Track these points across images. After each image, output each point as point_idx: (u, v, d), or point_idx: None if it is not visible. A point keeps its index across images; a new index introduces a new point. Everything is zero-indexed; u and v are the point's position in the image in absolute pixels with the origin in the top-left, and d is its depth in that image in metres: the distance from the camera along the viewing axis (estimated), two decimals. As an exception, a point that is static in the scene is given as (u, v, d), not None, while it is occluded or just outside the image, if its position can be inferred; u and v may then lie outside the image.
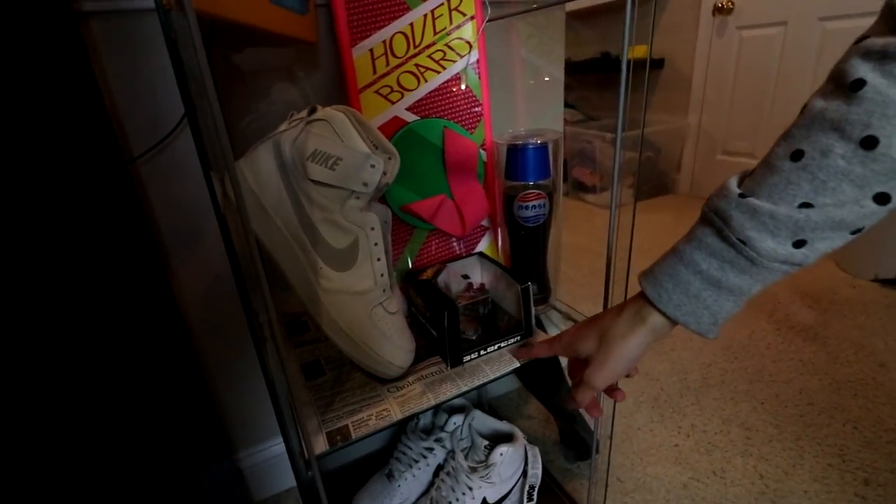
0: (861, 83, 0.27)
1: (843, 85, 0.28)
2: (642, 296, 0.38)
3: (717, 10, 1.93)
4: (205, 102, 0.27)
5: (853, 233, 0.31)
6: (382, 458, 0.78)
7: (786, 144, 0.31)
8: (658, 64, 2.26)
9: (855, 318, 1.19)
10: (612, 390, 0.46)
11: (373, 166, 0.40)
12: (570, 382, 0.47)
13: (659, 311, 0.37)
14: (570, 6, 0.72)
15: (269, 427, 0.80)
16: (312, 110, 0.43)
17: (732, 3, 1.89)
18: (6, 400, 0.49)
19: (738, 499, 0.75)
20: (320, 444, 0.40)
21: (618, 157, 0.47)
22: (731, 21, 1.92)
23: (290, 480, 0.84)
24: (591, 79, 2.45)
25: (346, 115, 0.41)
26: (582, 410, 0.57)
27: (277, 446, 0.81)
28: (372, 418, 0.43)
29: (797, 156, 0.30)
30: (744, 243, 0.32)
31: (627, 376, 0.44)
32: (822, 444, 0.84)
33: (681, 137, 2.21)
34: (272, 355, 0.34)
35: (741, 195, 0.32)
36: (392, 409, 0.44)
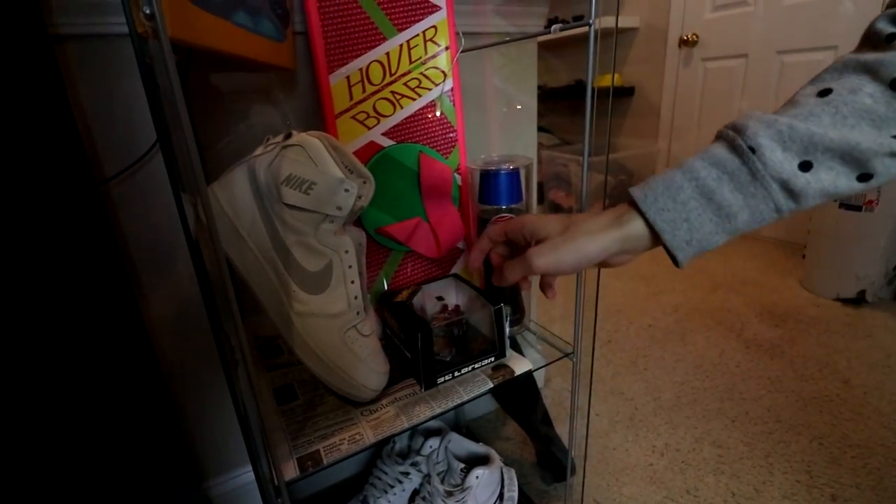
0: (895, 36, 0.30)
1: (878, 41, 0.31)
2: (628, 203, 0.37)
3: (683, 43, 2.04)
4: (178, 128, 0.27)
5: (860, 178, 0.31)
6: (357, 485, 0.76)
7: (813, 86, 0.32)
8: (628, 92, 2.35)
9: (819, 336, 1.24)
10: (546, 285, 0.44)
11: (347, 190, 0.41)
12: (473, 254, 0.47)
13: (640, 213, 0.35)
14: (542, 38, 0.75)
15: (240, 454, 0.78)
16: (288, 135, 0.44)
17: (697, 37, 1.99)
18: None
19: (712, 517, 0.76)
20: (290, 471, 0.39)
21: (585, 177, 0.49)
22: (696, 53, 2.02)
23: (261, 510, 0.82)
24: (565, 105, 2.53)
25: (321, 140, 0.42)
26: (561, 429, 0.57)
27: (248, 474, 0.79)
28: (344, 443, 0.42)
29: (825, 93, 0.31)
30: (753, 151, 0.31)
31: (546, 290, 0.43)
32: (791, 461, 0.86)
33: (651, 161, 2.29)
34: (243, 379, 0.33)
35: (765, 114, 0.33)
36: (365, 433, 0.43)
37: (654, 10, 2.10)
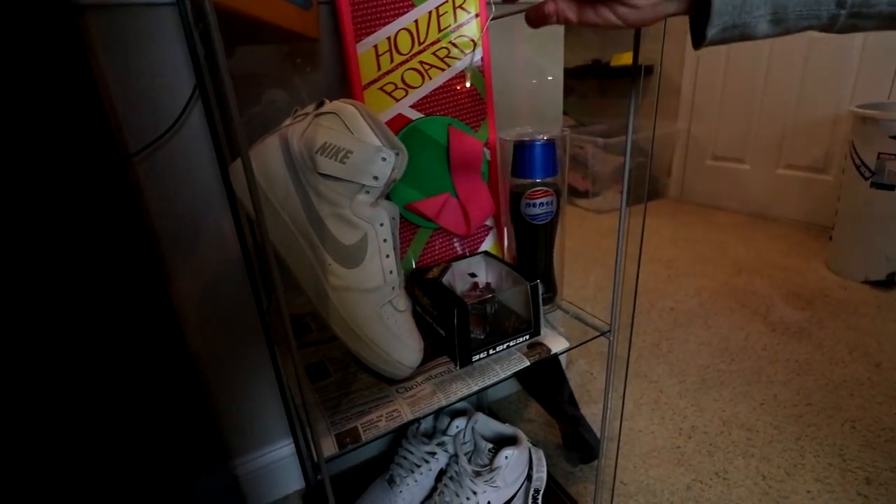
0: None
1: None
2: None
3: (706, 19, 1.97)
4: (221, 93, 0.26)
5: None
6: (382, 464, 0.76)
7: None
8: (647, 71, 2.29)
9: (847, 319, 1.21)
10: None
11: (384, 159, 0.39)
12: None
13: None
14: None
15: (265, 434, 0.78)
16: (320, 104, 0.42)
17: (720, 12, 1.92)
18: (-6, 406, 0.46)
19: (742, 500, 0.75)
20: (329, 447, 0.39)
21: (628, 161, 0.47)
22: (719, 29, 1.95)
23: (285, 488, 0.82)
24: (582, 85, 2.48)
25: (356, 108, 0.40)
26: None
27: (273, 453, 0.79)
28: (382, 419, 0.41)
29: None
30: None
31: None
32: (823, 444, 0.84)
33: (671, 143, 2.23)
34: (284, 354, 0.32)
35: None
36: (402, 410, 0.42)
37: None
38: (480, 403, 0.94)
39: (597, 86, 2.47)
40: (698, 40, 0.32)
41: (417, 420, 0.42)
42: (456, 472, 0.68)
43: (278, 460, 0.79)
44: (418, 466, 0.72)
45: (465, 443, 0.71)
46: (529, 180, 0.54)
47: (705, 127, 2.10)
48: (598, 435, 0.80)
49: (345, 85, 0.56)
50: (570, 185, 2.27)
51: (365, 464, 0.85)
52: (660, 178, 2.32)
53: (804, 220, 1.84)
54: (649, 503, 0.76)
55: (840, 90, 1.62)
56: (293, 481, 0.82)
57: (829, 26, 0.31)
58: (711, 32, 0.31)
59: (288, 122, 0.45)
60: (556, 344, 0.52)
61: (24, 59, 0.43)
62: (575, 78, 2.40)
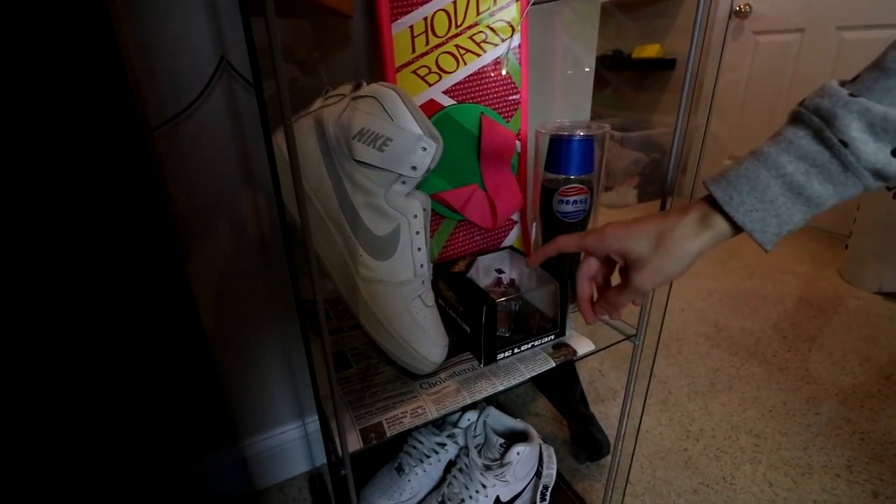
0: None
1: None
2: (708, 200, 0.36)
3: (734, 13, 1.92)
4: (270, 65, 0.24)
5: None
6: (390, 451, 0.76)
7: None
8: (669, 65, 2.24)
9: (859, 329, 1.20)
10: (637, 301, 0.44)
11: (424, 149, 0.37)
12: (581, 284, 0.44)
13: (726, 215, 0.34)
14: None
15: (274, 416, 0.77)
16: (357, 86, 0.40)
17: (749, 7, 1.87)
18: (8, 374, 0.46)
19: (749, 506, 0.75)
20: (354, 442, 0.38)
21: (673, 159, 0.45)
22: (747, 25, 1.90)
23: (292, 470, 0.82)
24: (601, 76, 2.42)
25: (397, 92, 0.38)
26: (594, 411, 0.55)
27: (281, 435, 0.79)
28: (406, 416, 0.41)
29: None
30: (845, 145, 0.30)
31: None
32: (830, 455, 0.84)
33: (688, 140, 2.19)
34: (317, 344, 0.31)
35: (851, 94, 0.30)
36: (427, 407, 0.42)
37: (706, -23, 1.97)
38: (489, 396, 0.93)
39: (618, 77, 2.42)
40: (763, 248, 0.35)
41: (443, 418, 0.41)
42: (466, 464, 0.68)
43: (286, 443, 0.79)
44: (428, 457, 0.72)
45: (476, 436, 0.71)
46: (564, 176, 0.52)
47: (726, 125, 2.06)
48: (608, 434, 0.79)
49: (376, 66, 0.54)
50: (583, 177, 2.24)
51: (373, 449, 0.85)
52: (675, 176, 2.29)
53: (819, 227, 1.82)
54: (655, 504, 0.76)
55: (867, 95, 1.58)
56: (300, 463, 0.83)
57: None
58: (770, 246, 0.34)
59: (319, 103, 0.43)
60: (582, 346, 0.51)
61: (49, 27, 0.41)
62: (597, 68, 2.34)
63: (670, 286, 0.50)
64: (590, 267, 0.43)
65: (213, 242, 0.63)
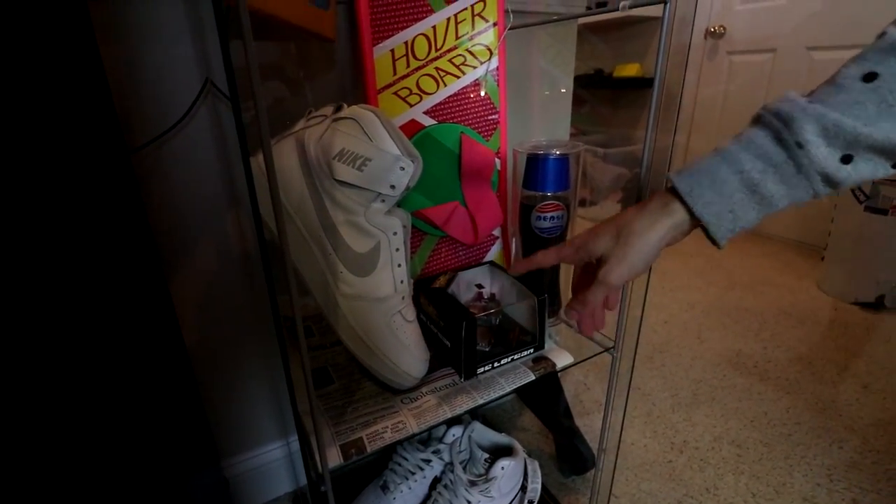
0: None
1: None
2: (670, 191, 0.38)
3: (709, 34, 1.99)
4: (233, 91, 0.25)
5: (894, 165, 0.32)
6: (376, 469, 0.76)
7: (858, 66, 0.31)
8: (648, 83, 2.30)
9: (837, 339, 1.23)
10: (611, 300, 0.46)
11: (402, 168, 0.39)
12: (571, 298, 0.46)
13: (685, 205, 0.36)
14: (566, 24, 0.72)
15: (257, 434, 0.77)
16: (338, 108, 0.41)
17: (724, 28, 1.94)
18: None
19: (732, 517, 0.76)
20: (334, 457, 0.38)
21: (643, 172, 0.47)
22: (721, 45, 1.97)
23: (276, 490, 0.81)
24: (585, 94, 2.49)
25: (376, 114, 0.39)
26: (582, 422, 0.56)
27: (264, 455, 0.78)
28: (387, 431, 0.41)
29: (870, 77, 0.31)
30: (800, 146, 0.32)
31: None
32: (811, 464, 0.85)
33: (667, 155, 2.25)
34: (295, 359, 0.32)
35: (809, 101, 0.32)
36: (408, 422, 0.42)
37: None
38: (474, 411, 0.93)
39: (599, 96, 2.49)
40: (715, 244, 0.37)
41: (423, 433, 0.42)
42: (451, 480, 0.68)
43: (269, 462, 0.78)
44: (413, 473, 0.72)
45: (460, 451, 0.71)
46: (541, 193, 0.54)
47: (703, 141, 2.12)
48: (593, 447, 0.80)
49: (359, 88, 0.55)
50: (568, 192, 2.28)
51: (358, 468, 0.84)
52: (656, 191, 2.34)
53: (797, 239, 1.87)
54: (640, 517, 0.76)
55: (837, 113, 1.64)
56: (284, 483, 0.81)
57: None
58: (724, 242, 0.37)
59: (302, 124, 0.44)
60: (561, 359, 0.52)
61: (33, 44, 0.42)
62: (578, 87, 2.41)
63: (645, 297, 0.52)
64: (529, 263, 0.46)
65: (197, 261, 0.63)
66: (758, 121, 0.35)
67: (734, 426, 0.94)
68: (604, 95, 2.47)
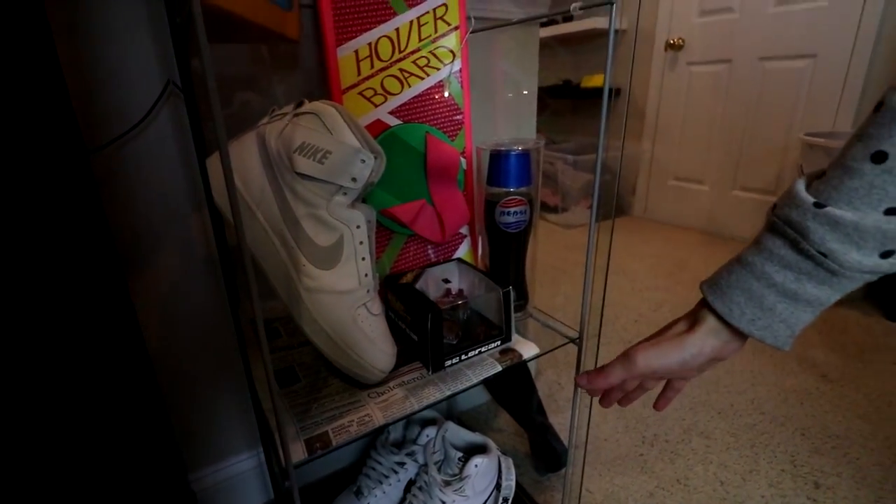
0: None
1: None
2: (707, 307, 0.36)
3: (669, 46, 2.08)
4: (189, 90, 0.25)
5: None
6: (351, 476, 0.75)
7: (863, 146, 0.29)
8: (616, 93, 2.39)
9: (797, 332, 1.28)
10: (663, 398, 0.45)
11: (363, 161, 0.39)
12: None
13: (730, 326, 0.34)
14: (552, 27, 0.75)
15: (227, 445, 0.74)
16: (299, 104, 0.42)
17: (683, 41, 2.03)
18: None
19: (702, 506, 0.77)
20: (299, 452, 0.38)
21: (597, 181, 0.49)
22: (681, 57, 2.06)
23: (247, 502, 0.79)
24: (554, 104, 2.55)
25: (336, 109, 0.40)
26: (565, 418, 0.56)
27: (234, 466, 0.76)
28: (353, 424, 0.41)
29: (879, 157, 0.28)
30: (825, 255, 0.30)
31: (666, 390, 0.45)
32: (775, 451, 0.88)
33: (635, 163, 2.33)
34: (254, 359, 0.32)
35: (817, 204, 0.30)
36: (374, 415, 0.42)
37: (642, 13, 2.14)
38: (450, 413, 0.93)
39: (568, 105, 2.56)
40: (783, 349, 0.35)
41: (389, 425, 0.42)
42: (425, 481, 0.67)
43: (240, 473, 0.76)
44: (387, 477, 0.71)
45: (435, 452, 0.70)
46: (504, 189, 0.55)
47: (668, 149, 2.19)
48: (566, 444, 0.81)
49: (324, 88, 0.56)
50: (541, 200, 2.32)
51: (333, 475, 0.82)
52: (625, 196, 2.40)
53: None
54: (614, 511, 0.77)
55: (790, 119, 1.74)
56: (255, 496, 0.79)
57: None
58: (789, 344, 0.34)
59: (265, 121, 0.45)
60: (527, 350, 0.52)
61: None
62: (548, 96, 2.47)
63: (605, 286, 0.53)
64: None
65: (160, 265, 0.62)
66: (772, 228, 0.33)
67: (703, 418, 0.97)
68: (572, 105, 2.55)
